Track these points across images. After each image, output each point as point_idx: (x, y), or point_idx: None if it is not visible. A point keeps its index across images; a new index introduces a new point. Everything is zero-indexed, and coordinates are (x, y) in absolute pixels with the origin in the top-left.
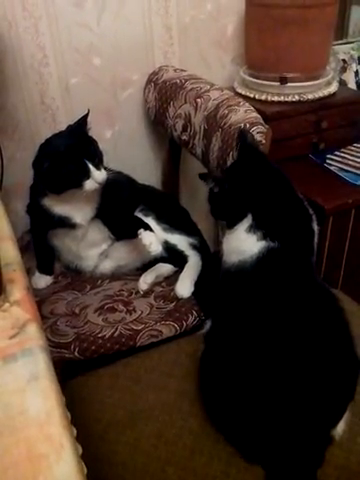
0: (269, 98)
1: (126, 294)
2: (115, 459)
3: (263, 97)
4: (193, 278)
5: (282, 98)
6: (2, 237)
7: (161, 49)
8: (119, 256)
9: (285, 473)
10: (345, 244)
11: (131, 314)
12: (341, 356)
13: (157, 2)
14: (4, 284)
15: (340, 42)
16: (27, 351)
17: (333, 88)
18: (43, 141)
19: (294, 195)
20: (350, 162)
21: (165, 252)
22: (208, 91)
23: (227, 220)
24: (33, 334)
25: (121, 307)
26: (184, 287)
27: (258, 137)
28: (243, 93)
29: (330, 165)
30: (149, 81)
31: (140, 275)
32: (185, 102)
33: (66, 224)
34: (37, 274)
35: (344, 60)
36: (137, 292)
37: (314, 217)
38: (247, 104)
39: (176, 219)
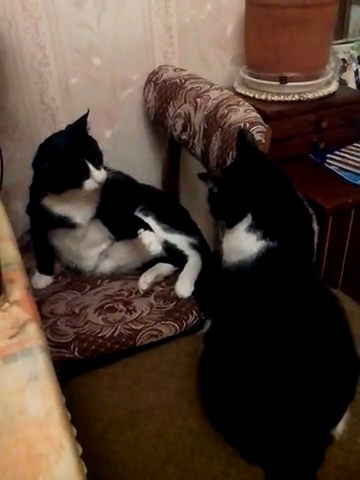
0: (269, 98)
1: (126, 294)
2: (115, 459)
3: (263, 97)
4: (193, 278)
5: (282, 98)
6: (2, 237)
7: (161, 49)
8: (119, 256)
9: (285, 473)
10: (345, 244)
11: (131, 314)
12: (341, 356)
13: (157, 2)
14: (4, 284)
15: (340, 42)
16: (27, 351)
17: (333, 88)
18: (43, 141)
19: (294, 195)
20: (350, 162)
21: (165, 252)
22: (208, 91)
23: (227, 220)
24: (33, 334)
25: (121, 307)
26: (184, 287)
27: (258, 137)
28: (243, 93)
29: (330, 165)
30: (149, 81)
31: (140, 275)
32: (185, 102)
33: (66, 224)
34: (37, 274)
35: (344, 60)
36: (137, 292)
37: (314, 217)
38: (247, 104)
39: (176, 219)
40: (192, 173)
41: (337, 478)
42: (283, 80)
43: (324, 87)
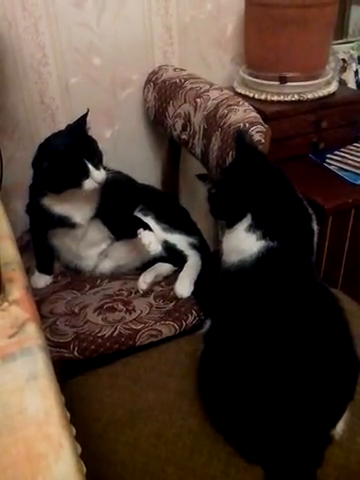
0: (269, 98)
1: (126, 294)
2: (114, 458)
3: (263, 97)
4: (193, 278)
5: (282, 98)
6: (1, 236)
7: (161, 49)
8: (119, 256)
9: (285, 473)
10: (345, 244)
11: (131, 314)
12: (341, 356)
13: (157, 2)
14: (3, 283)
15: (340, 41)
16: (26, 350)
17: (333, 88)
18: (42, 141)
19: (294, 194)
20: (350, 161)
21: (164, 252)
22: (208, 91)
23: (227, 220)
24: (32, 333)
25: (120, 307)
26: (184, 287)
27: (257, 137)
28: (243, 93)
29: (330, 165)
30: (149, 81)
31: (140, 275)
32: (185, 102)
33: (66, 224)
34: (36, 273)
35: (344, 60)
36: (137, 292)
37: (314, 217)
38: (246, 104)
39: (176, 219)
40: (192, 173)
41: (337, 478)
42: (283, 80)
43: (324, 87)
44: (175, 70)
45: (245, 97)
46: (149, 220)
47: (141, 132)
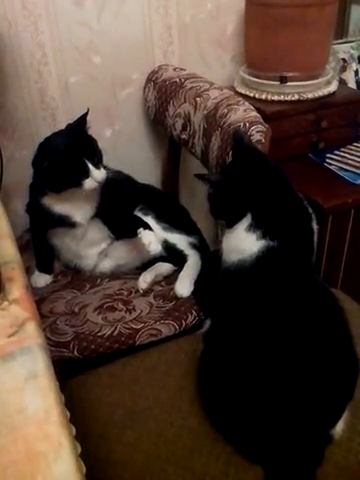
0: (269, 97)
1: (126, 293)
2: (114, 458)
3: (263, 96)
4: (192, 277)
5: (282, 97)
6: (1, 235)
7: (161, 48)
8: (119, 255)
9: (284, 472)
10: (345, 243)
11: (130, 313)
12: (340, 355)
13: (157, 1)
14: (3, 282)
15: (340, 41)
16: (26, 349)
17: (333, 87)
18: (42, 140)
19: (293, 194)
20: (350, 161)
21: (164, 251)
22: (208, 90)
23: (227, 219)
24: (32, 332)
25: (120, 306)
26: (183, 286)
27: (257, 136)
28: (243, 92)
29: (330, 164)
30: (149, 80)
31: (140, 274)
32: (185, 101)
33: (66, 223)
34: (36, 273)
35: (344, 59)
36: (137, 291)
37: (314, 216)
38: (246, 103)
39: (176, 218)
40: (192, 172)
41: (337, 477)
42: (283, 80)
43: (324, 87)
44: (175, 69)
45: (245, 97)
46: (149, 219)
47: (141, 131)
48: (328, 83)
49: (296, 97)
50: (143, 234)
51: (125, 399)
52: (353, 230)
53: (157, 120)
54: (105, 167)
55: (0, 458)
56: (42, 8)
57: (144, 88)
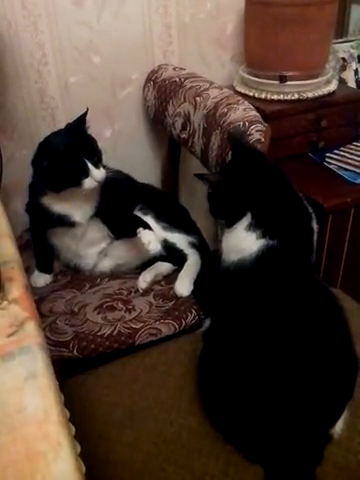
0: (268, 96)
1: (125, 293)
2: (114, 457)
3: (263, 95)
4: (192, 277)
5: (281, 96)
6: (1, 235)
7: (160, 48)
8: (118, 255)
9: (284, 471)
10: (344, 243)
11: (130, 313)
12: (340, 355)
13: (157, 1)
14: (3, 282)
15: (340, 40)
16: (25, 349)
17: (333, 87)
18: (42, 140)
19: (293, 193)
20: (349, 160)
21: (164, 251)
22: (207, 89)
23: (226, 219)
24: (31, 332)
25: (120, 306)
26: (183, 286)
27: (257, 135)
28: (242, 91)
29: (329, 164)
30: (148, 80)
31: (139, 274)
32: (184, 100)
33: (65, 222)
34: (36, 272)
35: (344, 59)
36: (136, 291)
37: (313, 215)
38: (246, 102)
39: (175, 218)
40: (192, 172)
41: (336, 476)
42: (283, 79)
43: (324, 86)
44: (175, 69)
45: (245, 96)
46: (149, 219)
47: (141, 131)
48: (328, 82)
49: (296, 96)
50: (143, 234)
51: (125, 399)
52: (353, 229)
53: (157, 120)
54: (105, 167)
55: (0, 458)
56: (42, 8)
57: (144, 88)
